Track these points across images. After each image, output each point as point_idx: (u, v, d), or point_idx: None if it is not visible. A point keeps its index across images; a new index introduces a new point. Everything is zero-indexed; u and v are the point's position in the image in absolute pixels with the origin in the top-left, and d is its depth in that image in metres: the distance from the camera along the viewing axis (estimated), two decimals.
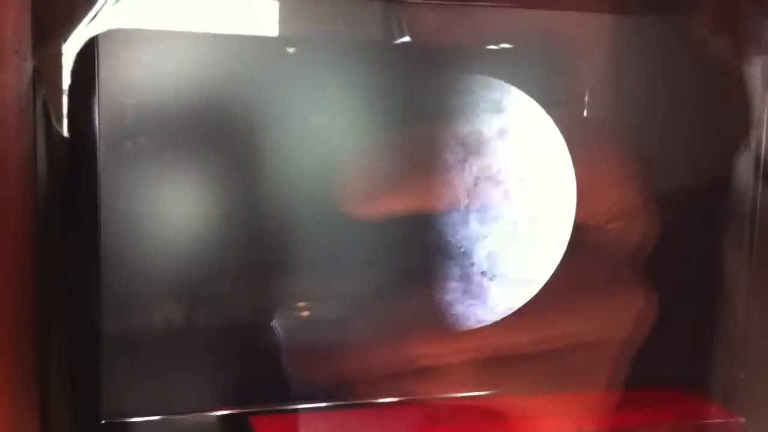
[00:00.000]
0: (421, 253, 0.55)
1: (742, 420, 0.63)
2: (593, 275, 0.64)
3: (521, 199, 0.56)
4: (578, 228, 0.62)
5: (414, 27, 0.61)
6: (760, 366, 0.68)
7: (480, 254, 0.55)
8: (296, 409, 0.61)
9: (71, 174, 0.57)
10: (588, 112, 0.66)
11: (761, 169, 0.68)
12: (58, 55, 0.55)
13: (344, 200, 0.58)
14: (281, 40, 0.60)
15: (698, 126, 0.67)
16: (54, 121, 0.55)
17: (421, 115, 0.55)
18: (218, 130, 0.59)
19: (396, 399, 0.63)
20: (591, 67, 0.65)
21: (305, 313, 0.63)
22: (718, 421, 0.63)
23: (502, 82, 0.59)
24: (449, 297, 0.56)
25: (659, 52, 0.66)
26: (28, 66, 0.53)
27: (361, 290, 0.59)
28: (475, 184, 0.54)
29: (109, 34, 0.55)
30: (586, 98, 0.65)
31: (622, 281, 0.65)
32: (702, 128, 0.67)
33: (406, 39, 0.62)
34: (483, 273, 0.55)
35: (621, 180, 0.64)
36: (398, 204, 0.57)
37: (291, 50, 0.60)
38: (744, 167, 0.68)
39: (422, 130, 0.54)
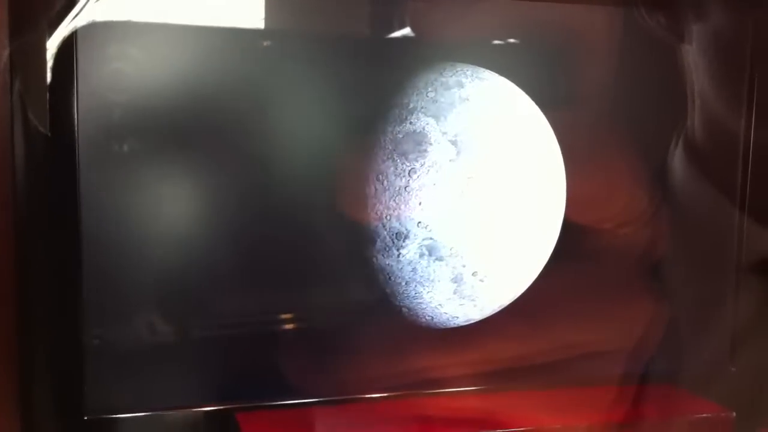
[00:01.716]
0: (412, 254, 0.54)
1: (733, 414, 0.63)
2: (605, 280, 0.64)
3: (515, 200, 0.54)
4: (590, 232, 0.62)
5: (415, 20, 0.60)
6: (750, 360, 0.67)
7: (471, 255, 0.54)
8: (283, 405, 0.61)
9: (50, 167, 0.55)
10: (596, 114, 0.65)
11: (749, 168, 0.67)
12: (36, 46, 0.53)
13: (338, 201, 0.57)
14: (270, 34, 0.59)
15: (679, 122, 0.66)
16: (31, 114, 0.54)
17: (411, 112, 0.54)
18: (204, 127, 0.58)
19: (384, 395, 0.63)
20: (600, 66, 0.64)
21: (295, 315, 0.62)
22: (709, 415, 0.63)
23: (500, 78, 0.57)
24: (440, 298, 0.55)
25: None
26: (5, 57, 0.51)
27: (350, 291, 0.59)
28: (467, 185, 0.53)
29: (89, 27, 0.54)
30: (595, 99, 0.65)
31: (633, 286, 0.65)
32: (682, 125, 0.66)
33: (407, 31, 0.61)
34: (474, 274, 0.54)
35: (632, 183, 0.64)
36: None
37: (280, 44, 0.59)
38: (731, 166, 0.67)
39: (413, 127, 0.53)
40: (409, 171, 0.53)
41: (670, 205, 0.66)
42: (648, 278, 0.66)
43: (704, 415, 0.63)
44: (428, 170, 0.53)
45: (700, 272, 0.68)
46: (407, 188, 0.53)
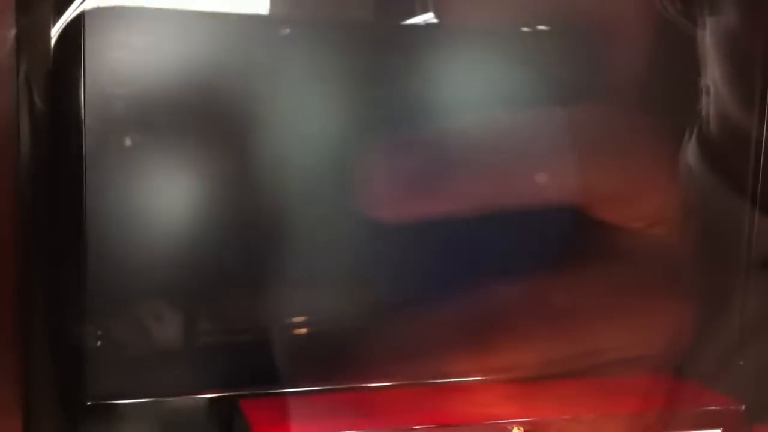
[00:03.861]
0: (436, 254, 0.53)
1: (743, 407, 0.62)
2: (615, 275, 0.63)
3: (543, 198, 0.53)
4: (603, 228, 0.61)
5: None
6: (759, 354, 0.67)
7: (494, 254, 0.53)
8: (287, 393, 0.60)
9: (55, 153, 0.55)
10: (620, 106, 0.64)
11: (761, 166, 0.67)
12: (43, 27, 0.53)
13: (359, 200, 0.56)
14: (287, 21, 0.58)
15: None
16: (37, 98, 0.53)
17: (439, 109, 0.53)
18: (215, 118, 0.57)
19: (387, 384, 0.62)
20: (634, 56, 0.63)
21: (310, 311, 0.62)
22: (719, 408, 0.63)
23: (525, 71, 0.56)
24: (468, 298, 0.54)
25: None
26: (11, 36, 0.51)
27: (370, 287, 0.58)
28: (502, 183, 0.52)
29: (97, 11, 0.53)
30: (618, 91, 0.64)
31: (643, 281, 0.64)
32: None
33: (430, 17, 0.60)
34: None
35: (666, 180, 0.63)
36: (418, 204, 0.55)
37: (295, 32, 0.58)
38: (743, 162, 0.67)
39: (444, 126, 0.52)
40: None
41: (683, 198, 0.66)
42: (658, 273, 0.65)
43: (714, 407, 0.63)
44: (458, 171, 0.51)
45: (710, 266, 0.67)
46: None
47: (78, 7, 0.53)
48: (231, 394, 0.60)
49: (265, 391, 0.60)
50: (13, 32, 0.51)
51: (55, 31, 0.54)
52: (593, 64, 0.63)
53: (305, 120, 0.58)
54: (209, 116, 0.57)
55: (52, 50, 0.54)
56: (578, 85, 0.60)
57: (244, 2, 0.57)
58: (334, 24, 0.59)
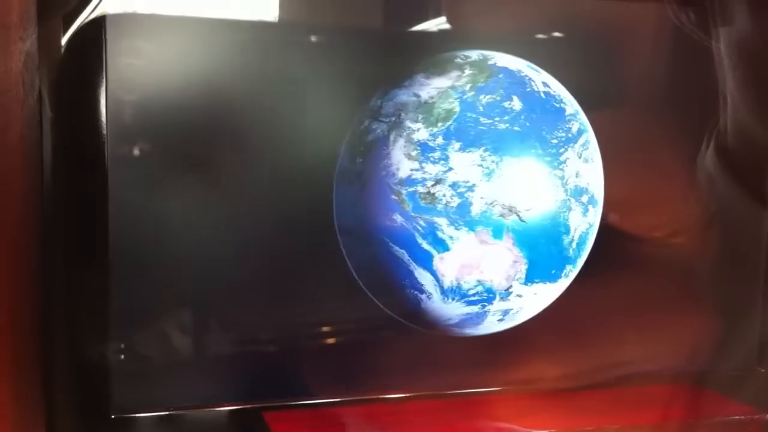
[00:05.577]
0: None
1: (765, 416, 0.63)
2: (635, 284, 0.63)
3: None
4: (638, 241, 0.61)
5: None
6: None
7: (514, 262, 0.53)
8: (310, 404, 0.60)
9: (77, 160, 0.55)
10: (648, 117, 0.64)
11: None
12: (65, 40, 0.53)
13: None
14: (312, 29, 0.58)
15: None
16: (58, 106, 0.53)
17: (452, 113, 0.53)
18: (239, 125, 0.57)
19: (408, 395, 0.62)
20: (649, 67, 0.63)
21: (328, 323, 0.61)
22: (741, 417, 0.63)
23: (542, 75, 0.56)
24: (484, 309, 0.55)
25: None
26: (33, 51, 0.51)
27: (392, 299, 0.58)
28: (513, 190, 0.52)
29: (118, 18, 0.53)
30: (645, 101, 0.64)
31: (663, 290, 0.64)
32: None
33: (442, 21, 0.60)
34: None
35: (685, 189, 0.63)
36: None
37: (315, 39, 0.58)
38: (761, 169, 0.67)
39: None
40: None
41: (702, 208, 0.66)
42: (678, 283, 0.65)
43: (736, 417, 0.63)
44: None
45: (728, 275, 0.67)
46: None
47: (92, 16, 0.53)
48: (254, 406, 0.59)
49: (288, 403, 0.60)
50: (36, 50, 0.51)
51: (73, 43, 0.53)
52: (608, 76, 0.63)
53: (330, 129, 0.58)
54: (235, 125, 0.57)
55: (72, 61, 0.53)
56: (594, 96, 0.60)
57: (267, 10, 0.57)
58: (360, 32, 0.59)
